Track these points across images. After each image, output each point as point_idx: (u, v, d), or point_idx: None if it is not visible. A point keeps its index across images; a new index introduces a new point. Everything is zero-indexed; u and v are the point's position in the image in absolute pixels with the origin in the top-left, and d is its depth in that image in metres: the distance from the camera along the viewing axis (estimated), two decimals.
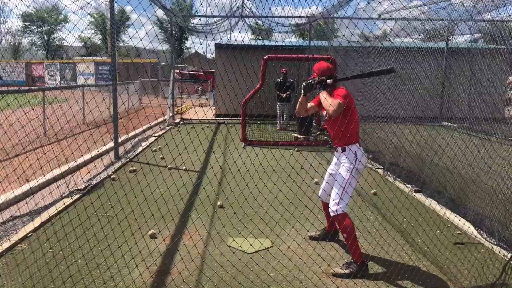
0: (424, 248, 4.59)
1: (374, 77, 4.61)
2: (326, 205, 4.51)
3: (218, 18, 14.00)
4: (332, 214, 4.05)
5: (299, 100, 4.42)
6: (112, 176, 7.15)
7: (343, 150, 4.11)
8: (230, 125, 14.36)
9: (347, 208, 4.06)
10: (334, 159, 4.35)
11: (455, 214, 5.54)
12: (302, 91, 4.29)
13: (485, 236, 4.82)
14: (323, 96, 4.06)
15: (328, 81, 4.12)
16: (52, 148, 5.32)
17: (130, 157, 8.85)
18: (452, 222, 5.35)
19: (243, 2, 11.53)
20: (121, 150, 9.23)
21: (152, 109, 16.21)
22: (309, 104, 4.45)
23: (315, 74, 4.24)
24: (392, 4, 4.24)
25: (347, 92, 4.07)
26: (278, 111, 13.18)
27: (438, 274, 4.03)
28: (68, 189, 6.27)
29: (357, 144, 4.13)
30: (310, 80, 4.21)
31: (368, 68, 8.00)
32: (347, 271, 3.94)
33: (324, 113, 4.23)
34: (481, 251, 4.52)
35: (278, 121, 13.32)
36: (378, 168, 8.31)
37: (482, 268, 4.02)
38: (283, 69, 12.62)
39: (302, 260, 4.17)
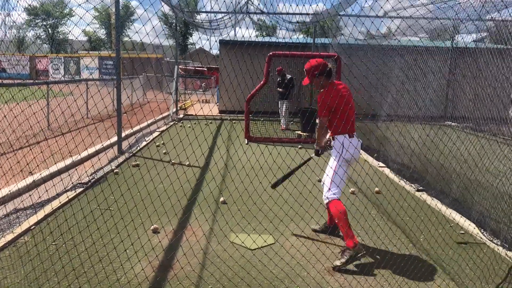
0: (427, 247, 4.57)
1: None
2: None
3: (223, 14, 13.94)
4: (324, 201, 4.27)
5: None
6: (115, 171, 7.14)
7: (333, 139, 4.33)
8: (234, 121, 14.35)
9: (339, 195, 4.20)
10: None
11: (459, 214, 5.51)
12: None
13: (489, 237, 4.79)
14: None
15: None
16: (56, 141, 5.31)
17: (134, 152, 8.84)
18: (456, 222, 5.32)
19: None
20: (125, 144, 9.22)
21: (157, 103, 16.22)
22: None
23: (307, 76, 4.37)
24: (400, 2, 4.20)
25: (326, 98, 4.20)
26: (280, 109, 13.06)
27: (441, 273, 4.00)
28: (72, 183, 6.27)
29: (346, 134, 4.25)
30: (319, 150, 4.52)
31: (374, 65, 7.96)
32: (343, 259, 3.98)
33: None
34: (484, 251, 4.49)
35: (281, 120, 13.17)
36: (382, 166, 8.28)
37: (487, 269, 4.00)
38: (279, 67, 12.56)
39: (305, 257, 4.15)
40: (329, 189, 4.19)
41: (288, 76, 12.64)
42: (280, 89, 12.57)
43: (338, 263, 3.99)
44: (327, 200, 4.22)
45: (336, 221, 4.09)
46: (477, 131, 6.10)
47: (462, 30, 8.96)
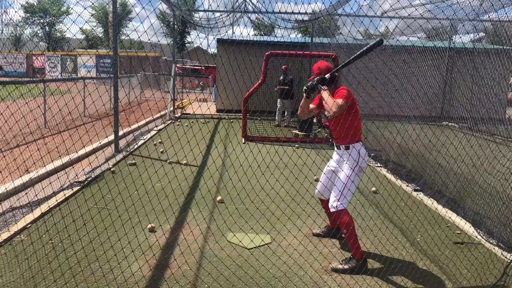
0: (424, 247, 4.57)
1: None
2: (324, 202, 4.50)
3: (221, 13, 13.92)
4: (332, 210, 4.04)
5: (301, 103, 4.36)
6: (112, 169, 7.12)
7: (347, 148, 4.10)
8: (232, 120, 14.34)
9: (348, 205, 4.04)
10: (335, 156, 4.32)
11: (456, 214, 5.52)
12: (304, 94, 4.21)
13: (485, 237, 4.80)
14: (324, 96, 4.04)
15: (326, 76, 4.08)
16: (53, 139, 5.29)
17: (131, 150, 8.82)
18: (452, 222, 5.33)
19: None
20: (122, 143, 9.20)
21: (155, 101, 16.19)
22: (311, 106, 4.42)
23: (315, 74, 4.22)
24: (398, 1, 4.20)
25: (349, 91, 4.05)
26: (278, 106, 13.15)
27: (438, 272, 4.01)
28: (69, 181, 6.25)
29: (361, 142, 4.12)
30: (310, 82, 4.15)
31: (373, 64, 7.96)
32: (346, 266, 3.94)
33: (326, 112, 4.20)
34: (480, 251, 4.50)
35: (276, 117, 13.28)
36: (380, 166, 8.29)
37: (482, 268, 4.01)
38: (284, 66, 12.65)
39: (302, 257, 4.15)
40: (342, 196, 3.98)
41: (290, 77, 12.74)
42: (282, 87, 12.64)
43: (339, 267, 3.96)
44: (336, 209, 3.99)
45: (345, 231, 3.96)
46: (474, 131, 6.12)
47: (460, 30, 8.98)
